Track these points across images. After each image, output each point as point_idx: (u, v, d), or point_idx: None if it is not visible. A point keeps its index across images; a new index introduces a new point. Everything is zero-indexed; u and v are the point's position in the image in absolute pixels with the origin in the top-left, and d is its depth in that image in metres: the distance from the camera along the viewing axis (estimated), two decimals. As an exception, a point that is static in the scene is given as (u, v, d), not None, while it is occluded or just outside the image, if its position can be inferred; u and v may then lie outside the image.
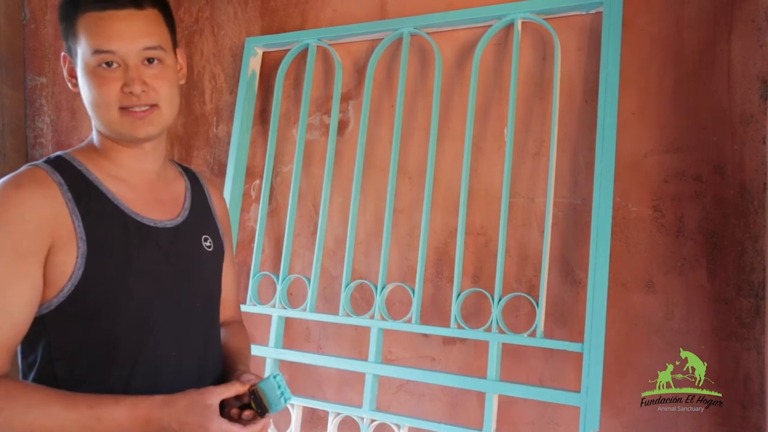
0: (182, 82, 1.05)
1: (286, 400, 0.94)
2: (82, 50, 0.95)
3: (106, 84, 0.94)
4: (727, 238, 1.49)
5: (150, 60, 0.96)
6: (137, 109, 0.95)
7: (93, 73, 0.94)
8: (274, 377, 0.95)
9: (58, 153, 1.00)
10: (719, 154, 1.50)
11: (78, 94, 1.00)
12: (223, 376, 1.10)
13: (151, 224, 1.00)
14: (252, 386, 0.97)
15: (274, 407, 0.94)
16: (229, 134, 2.10)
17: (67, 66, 1.01)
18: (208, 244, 1.09)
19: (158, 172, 1.07)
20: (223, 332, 1.18)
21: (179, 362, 0.99)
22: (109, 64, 0.94)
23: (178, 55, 1.04)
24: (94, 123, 1.00)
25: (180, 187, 1.12)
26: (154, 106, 0.97)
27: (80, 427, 0.85)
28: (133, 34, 0.94)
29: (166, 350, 0.98)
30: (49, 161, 0.97)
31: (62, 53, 1.02)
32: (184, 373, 0.99)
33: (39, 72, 2.30)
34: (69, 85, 1.02)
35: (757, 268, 1.45)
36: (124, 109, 0.95)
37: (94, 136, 1.03)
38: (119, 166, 1.01)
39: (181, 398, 0.90)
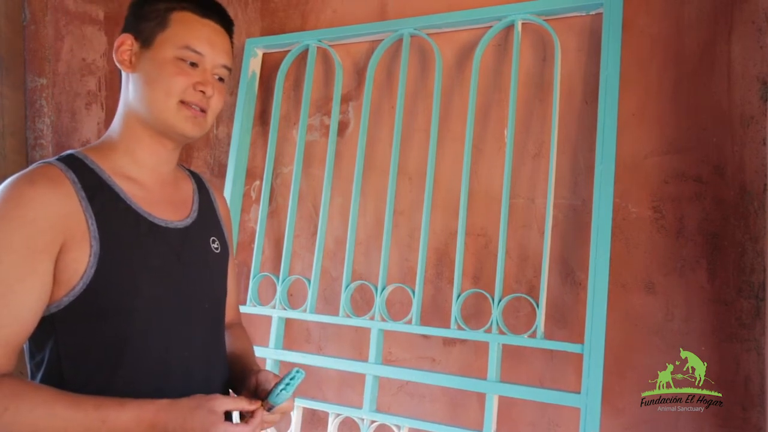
0: None
1: (279, 397, 0.94)
2: (166, 39, 0.99)
3: (182, 75, 0.99)
4: (727, 239, 1.49)
5: (218, 77, 1.05)
6: (195, 107, 1.00)
7: (171, 62, 0.99)
8: (297, 371, 0.95)
9: (70, 151, 0.99)
10: (719, 155, 1.50)
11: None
12: (230, 379, 1.10)
13: (163, 224, 1.01)
14: (263, 404, 0.95)
15: (272, 398, 0.94)
16: (229, 135, 2.10)
17: (124, 46, 1.02)
18: (215, 245, 1.10)
19: (170, 174, 1.08)
20: (226, 335, 1.18)
21: (187, 364, 0.99)
22: (190, 62, 1.00)
23: None
24: (136, 107, 1.00)
25: (188, 188, 1.13)
26: (204, 112, 1.02)
27: (84, 428, 0.85)
28: (221, 49, 1.04)
29: (175, 351, 0.98)
30: (61, 159, 0.97)
31: (123, 33, 1.03)
32: (191, 375, 0.99)
33: (39, 73, 2.30)
34: (119, 64, 1.03)
35: (757, 269, 1.45)
36: (183, 103, 0.99)
37: (116, 129, 1.03)
38: (134, 163, 1.02)
39: (187, 402, 0.89)
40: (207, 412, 0.88)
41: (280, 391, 0.94)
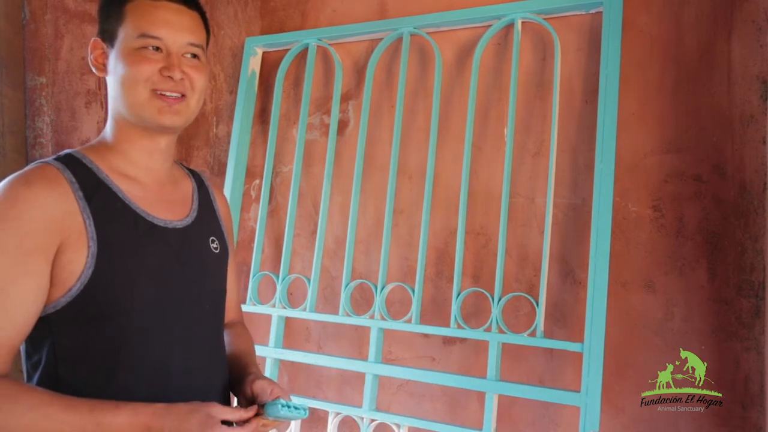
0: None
1: (276, 411, 0.94)
2: (125, 33, 0.97)
3: (145, 63, 0.95)
4: (727, 238, 1.49)
5: (190, 54, 1.00)
6: (169, 95, 0.97)
7: (133, 53, 0.96)
8: (305, 410, 0.95)
9: (68, 150, 0.98)
10: (719, 155, 1.50)
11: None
12: (231, 379, 1.10)
13: (162, 224, 0.99)
14: (259, 411, 0.95)
15: (269, 410, 0.94)
16: (229, 134, 2.10)
17: (96, 51, 1.01)
18: (215, 245, 1.09)
19: (167, 172, 1.07)
20: (227, 334, 1.17)
21: (187, 365, 0.98)
22: (153, 48, 0.96)
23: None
24: (118, 108, 1.00)
25: (187, 187, 1.11)
26: (183, 96, 0.98)
27: (79, 431, 0.84)
28: (181, 27, 0.98)
29: (175, 353, 0.97)
30: (59, 158, 0.95)
31: (93, 38, 1.02)
32: (192, 377, 0.98)
33: (39, 72, 2.30)
34: (94, 70, 1.02)
35: (757, 269, 1.45)
36: (155, 92, 0.96)
37: (108, 131, 1.02)
38: (130, 163, 1.00)
39: (184, 406, 0.88)
40: (204, 415, 0.87)
41: (281, 407, 0.93)
